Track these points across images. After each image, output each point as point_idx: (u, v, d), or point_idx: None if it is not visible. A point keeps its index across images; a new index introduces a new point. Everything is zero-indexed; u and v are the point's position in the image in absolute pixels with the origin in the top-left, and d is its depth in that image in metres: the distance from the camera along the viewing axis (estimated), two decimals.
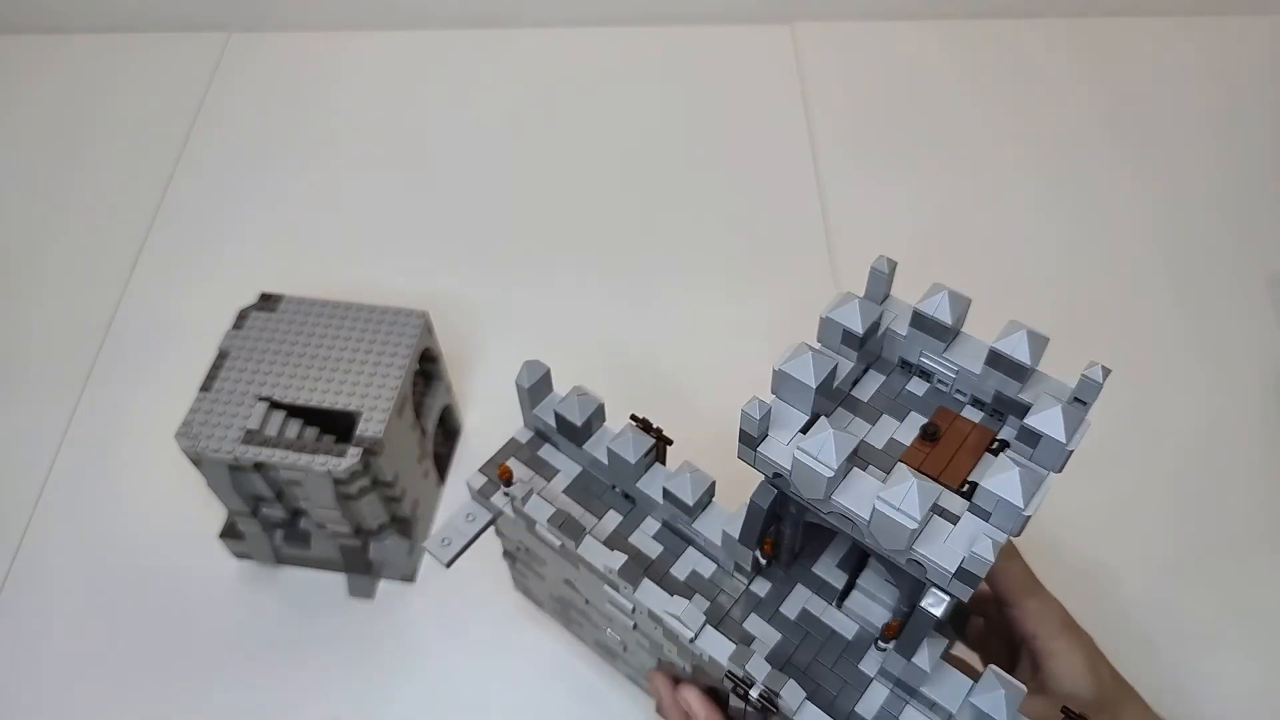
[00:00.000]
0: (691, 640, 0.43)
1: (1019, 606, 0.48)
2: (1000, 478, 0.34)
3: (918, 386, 0.42)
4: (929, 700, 0.41)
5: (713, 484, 0.46)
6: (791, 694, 0.40)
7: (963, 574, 0.35)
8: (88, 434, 0.74)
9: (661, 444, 0.47)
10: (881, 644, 0.43)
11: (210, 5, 1.02)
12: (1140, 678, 0.49)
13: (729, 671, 0.42)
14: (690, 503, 0.45)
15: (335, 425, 0.59)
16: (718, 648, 0.42)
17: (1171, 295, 0.82)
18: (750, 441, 0.38)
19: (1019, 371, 0.39)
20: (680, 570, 0.46)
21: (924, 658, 0.39)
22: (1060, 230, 0.86)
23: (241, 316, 0.63)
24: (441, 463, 0.71)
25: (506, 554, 0.56)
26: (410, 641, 0.64)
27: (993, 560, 0.34)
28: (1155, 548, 0.68)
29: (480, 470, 0.50)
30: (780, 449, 0.38)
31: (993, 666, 0.39)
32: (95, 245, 0.86)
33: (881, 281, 0.42)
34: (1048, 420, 0.35)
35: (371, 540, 0.63)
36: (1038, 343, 0.38)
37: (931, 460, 0.39)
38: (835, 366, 0.39)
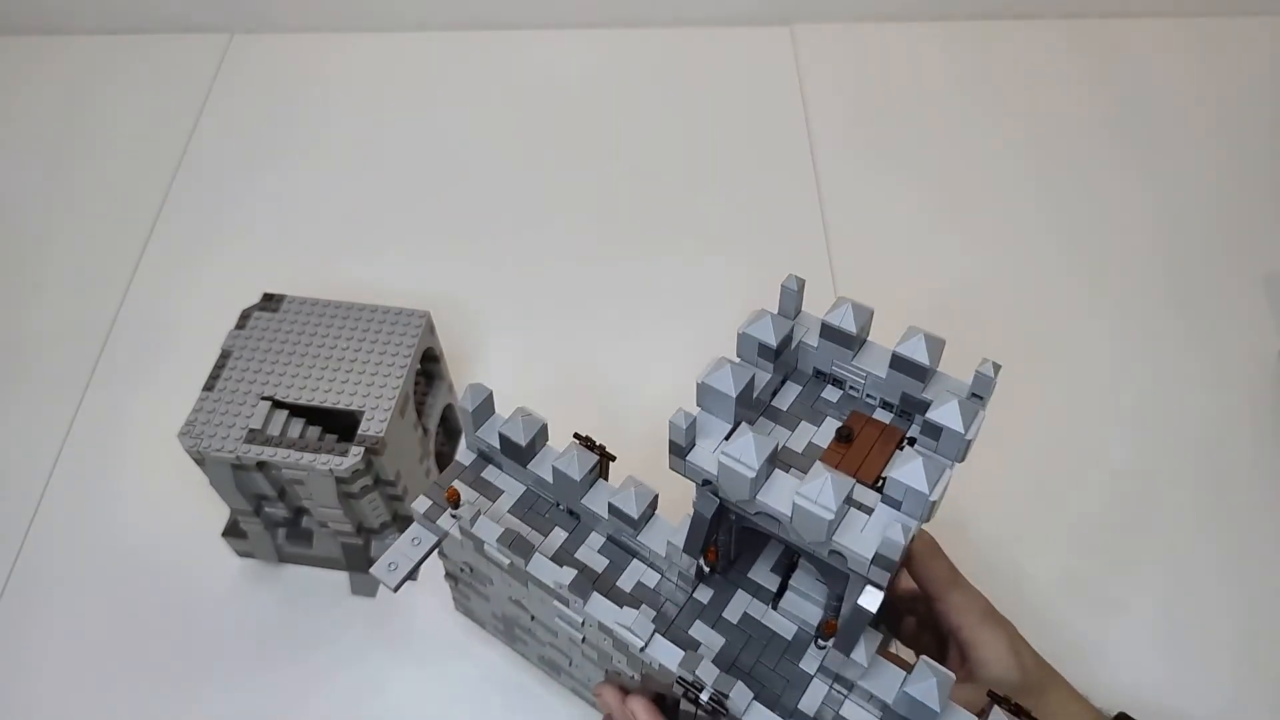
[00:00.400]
0: (642, 649, 0.44)
1: (943, 600, 0.50)
2: (906, 468, 0.37)
3: (832, 394, 0.45)
4: (867, 693, 0.42)
5: (655, 497, 0.47)
6: (740, 695, 0.42)
7: (879, 559, 0.37)
8: (91, 433, 0.74)
9: (604, 460, 0.48)
10: (821, 642, 0.44)
11: (212, 7, 1.03)
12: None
13: (679, 677, 0.43)
14: (635, 516, 0.46)
15: (337, 424, 0.60)
16: (667, 655, 0.43)
17: (1169, 294, 0.82)
18: (679, 451, 0.41)
19: (920, 372, 0.41)
20: (626, 582, 0.47)
21: (861, 653, 0.41)
22: (1059, 229, 0.86)
23: (244, 316, 0.63)
24: (443, 462, 0.72)
25: (448, 575, 0.56)
26: (412, 639, 0.64)
27: (904, 543, 0.36)
28: (1154, 545, 0.68)
29: (425, 494, 0.51)
30: (707, 456, 0.40)
31: (924, 657, 0.40)
32: (98, 245, 0.87)
33: (792, 298, 0.44)
34: (946, 414, 0.38)
35: (374, 539, 0.64)
36: (935, 345, 0.41)
37: (847, 460, 0.41)
38: (753, 377, 0.42)
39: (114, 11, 1.04)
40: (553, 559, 0.47)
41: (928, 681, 0.39)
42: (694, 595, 0.47)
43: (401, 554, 0.50)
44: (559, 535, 0.49)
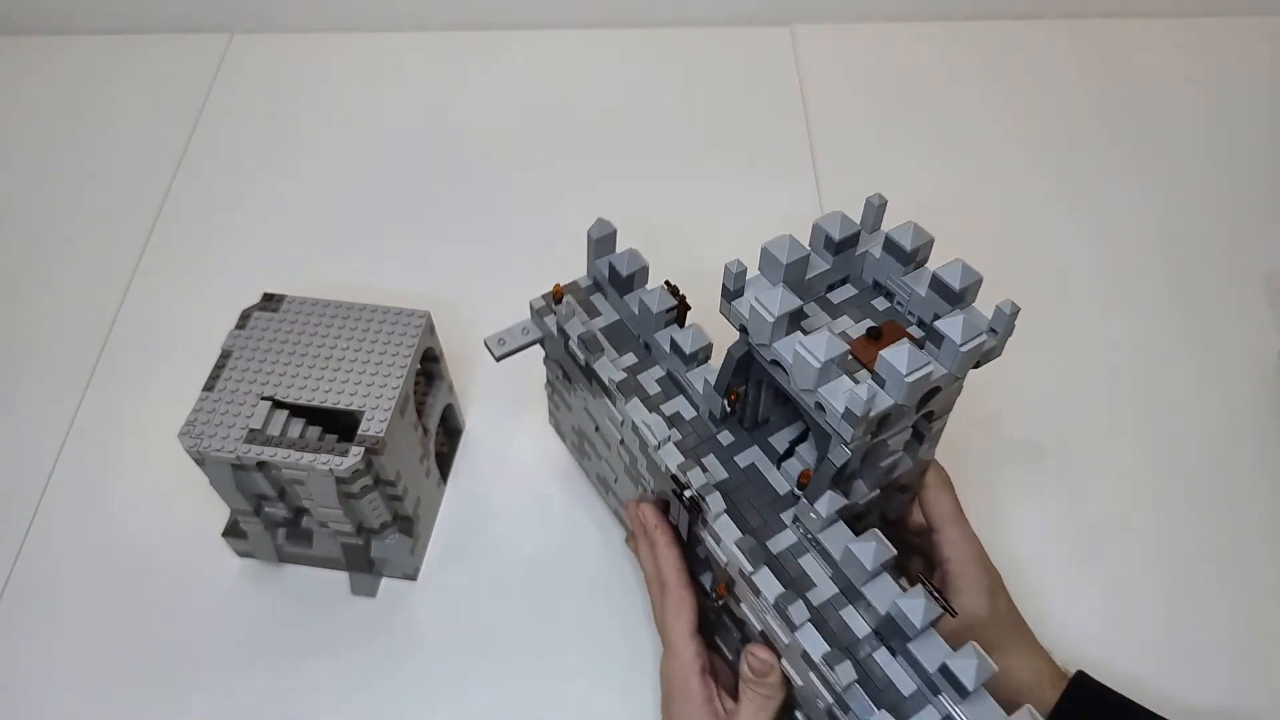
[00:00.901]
0: (655, 448, 0.52)
1: (941, 533, 0.54)
2: (894, 350, 0.42)
3: (881, 304, 0.51)
4: (823, 548, 0.49)
5: (710, 344, 0.54)
6: (715, 502, 0.49)
7: (848, 414, 0.43)
8: (91, 433, 0.74)
9: (682, 307, 0.56)
10: (798, 490, 0.51)
11: (212, 7, 1.03)
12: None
13: (674, 475, 0.50)
14: (688, 352, 0.54)
15: (338, 424, 0.60)
16: (671, 457, 0.51)
17: (1169, 293, 0.82)
18: (728, 295, 0.47)
19: (952, 296, 0.46)
20: (668, 409, 0.55)
21: (824, 504, 0.47)
22: (1058, 229, 0.87)
23: (244, 316, 0.63)
24: (443, 462, 0.72)
25: (548, 384, 0.65)
26: (412, 639, 0.64)
27: (866, 400, 0.41)
28: (1151, 545, 0.68)
29: (541, 296, 0.60)
30: (746, 304, 0.46)
31: (875, 529, 0.46)
32: (98, 245, 0.87)
33: (872, 212, 0.51)
34: (950, 325, 0.43)
35: (374, 539, 0.64)
36: (970, 274, 0.46)
37: (865, 352, 0.47)
38: (808, 256, 0.48)
39: (114, 11, 1.04)
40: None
41: (869, 544, 0.45)
42: (717, 436, 0.54)
43: (511, 334, 0.60)
44: (629, 359, 0.57)
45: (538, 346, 0.61)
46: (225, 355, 0.61)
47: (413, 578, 0.67)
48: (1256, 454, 0.73)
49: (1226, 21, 1.04)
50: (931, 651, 0.44)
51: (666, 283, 0.56)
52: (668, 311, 0.55)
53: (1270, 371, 0.77)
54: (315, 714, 0.62)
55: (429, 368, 0.69)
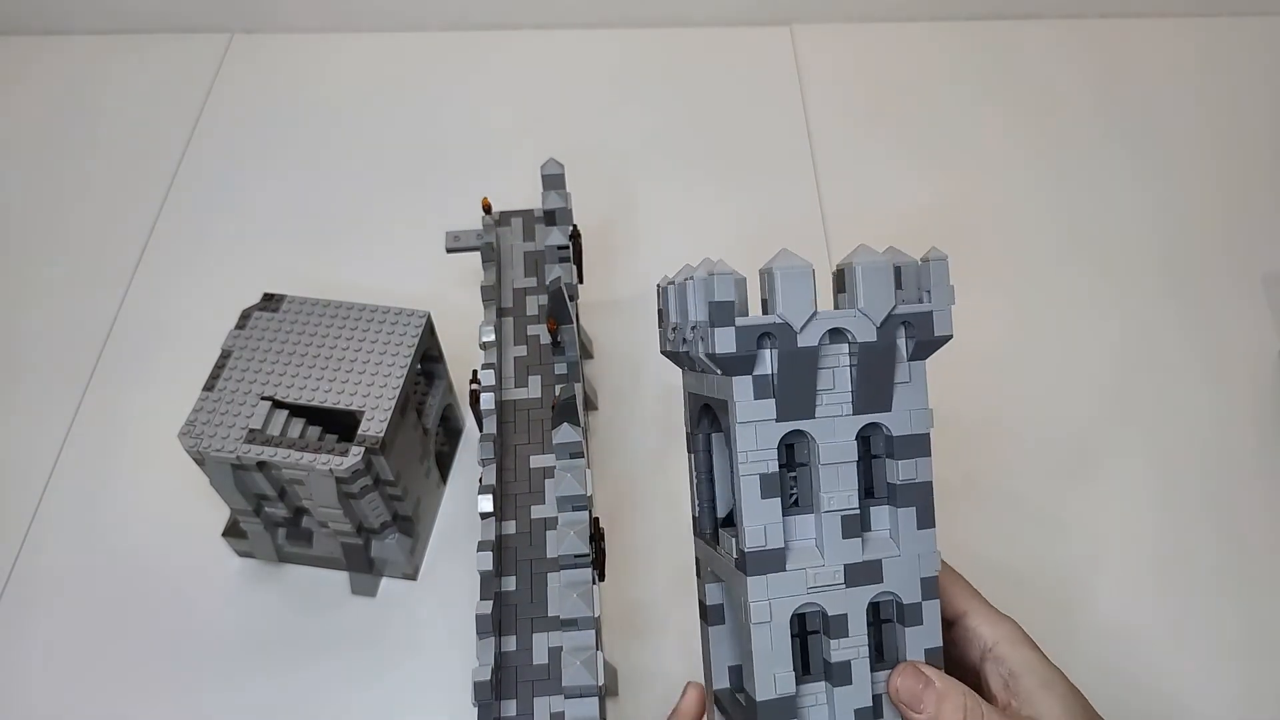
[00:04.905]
0: (485, 345, 0.63)
1: (972, 615, 0.44)
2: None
3: None
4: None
5: (572, 287, 0.64)
6: (488, 399, 0.60)
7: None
8: (90, 433, 0.74)
9: (576, 252, 0.65)
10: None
11: (212, 6, 1.03)
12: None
13: (475, 369, 0.63)
14: (547, 284, 0.64)
15: (337, 424, 0.60)
16: (483, 356, 0.63)
17: (1168, 293, 0.82)
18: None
19: None
20: (533, 330, 0.65)
21: (561, 433, 0.54)
22: (1058, 228, 0.87)
23: (244, 316, 0.63)
24: (443, 462, 0.72)
25: None
26: (412, 639, 0.64)
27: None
28: (1148, 547, 0.68)
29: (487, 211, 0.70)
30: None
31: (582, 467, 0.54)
32: (98, 245, 0.86)
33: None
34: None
35: (374, 539, 0.64)
36: None
37: None
38: None
39: (114, 11, 1.03)
40: (505, 278, 0.68)
41: (570, 472, 0.53)
42: (554, 364, 0.64)
43: (466, 235, 0.71)
44: (531, 281, 0.68)
45: None
46: (225, 355, 0.61)
47: (413, 578, 0.67)
48: (1257, 454, 0.73)
49: (1226, 21, 1.04)
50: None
51: (574, 227, 0.66)
52: (560, 249, 0.63)
53: (1270, 371, 0.77)
54: (315, 714, 0.62)
55: (429, 368, 0.69)
